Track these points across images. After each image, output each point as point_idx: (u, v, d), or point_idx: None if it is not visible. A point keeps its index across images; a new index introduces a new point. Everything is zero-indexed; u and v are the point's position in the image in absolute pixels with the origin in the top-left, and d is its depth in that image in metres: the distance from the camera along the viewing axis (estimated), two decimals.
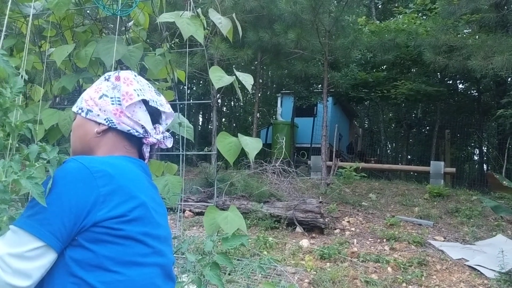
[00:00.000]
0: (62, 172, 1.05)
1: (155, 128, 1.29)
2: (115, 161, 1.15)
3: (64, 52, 1.91)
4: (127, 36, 2.13)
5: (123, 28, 2.12)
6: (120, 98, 1.23)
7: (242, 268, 5.24)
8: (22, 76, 1.20)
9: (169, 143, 1.31)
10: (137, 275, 1.07)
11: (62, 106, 2.15)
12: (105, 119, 1.21)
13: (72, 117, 1.93)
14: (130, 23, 2.20)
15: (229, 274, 5.08)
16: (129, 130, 1.23)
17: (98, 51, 1.91)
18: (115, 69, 1.90)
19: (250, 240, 6.27)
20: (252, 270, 5.16)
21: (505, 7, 10.52)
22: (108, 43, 1.90)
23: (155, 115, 1.30)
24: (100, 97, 1.23)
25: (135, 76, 1.30)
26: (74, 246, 1.02)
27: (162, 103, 1.31)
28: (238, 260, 5.59)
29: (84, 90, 2.32)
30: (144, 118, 1.25)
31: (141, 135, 1.25)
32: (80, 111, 1.25)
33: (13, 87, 1.09)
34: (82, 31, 2.17)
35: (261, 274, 5.15)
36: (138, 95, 1.24)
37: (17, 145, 1.17)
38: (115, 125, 1.21)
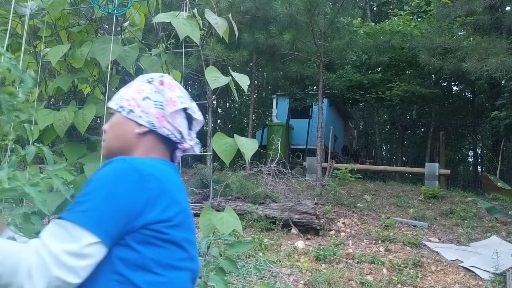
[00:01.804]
0: (114, 172, 1.08)
1: (189, 134, 1.33)
2: (159, 164, 1.18)
3: (59, 52, 1.90)
4: (122, 36, 2.12)
5: (119, 29, 2.12)
6: (163, 102, 1.26)
7: (237, 269, 5.22)
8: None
9: (197, 149, 1.34)
10: (175, 278, 1.11)
11: (57, 106, 2.14)
12: (147, 122, 1.23)
13: (68, 117, 1.93)
14: (126, 23, 2.19)
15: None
16: (168, 135, 1.25)
17: (93, 51, 1.91)
18: (110, 69, 1.89)
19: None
20: (248, 271, 5.15)
21: (500, 10, 10.58)
22: (103, 43, 1.90)
23: (189, 121, 1.34)
24: (143, 99, 1.25)
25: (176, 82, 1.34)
26: (121, 245, 1.04)
27: (195, 110, 1.34)
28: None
29: (80, 90, 2.32)
30: (182, 124, 1.29)
31: (178, 140, 1.28)
32: (120, 109, 1.26)
33: (24, 87, 1.09)
34: (78, 31, 2.16)
35: (257, 276, 5.14)
36: (181, 102, 1.27)
37: (13, 146, 1.16)
38: (156, 128, 1.24)
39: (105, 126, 1.30)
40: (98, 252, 1.01)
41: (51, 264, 0.95)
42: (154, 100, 1.25)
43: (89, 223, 1.00)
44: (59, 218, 1.02)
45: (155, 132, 1.24)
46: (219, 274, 1.86)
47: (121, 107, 1.26)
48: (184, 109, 1.30)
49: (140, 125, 1.23)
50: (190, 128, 1.35)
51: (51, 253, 0.96)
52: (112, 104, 1.29)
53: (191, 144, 1.32)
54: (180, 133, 1.28)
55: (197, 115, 1.34)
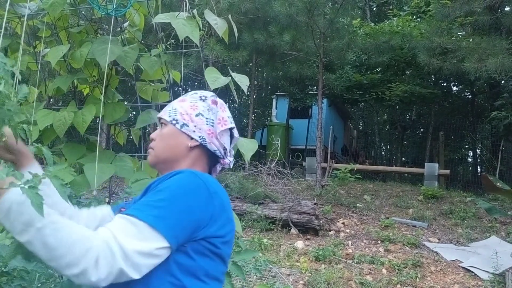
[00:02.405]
0: (189, 185, 1.16)
1: (230, 151, 1.42)
2: (218, 183, 1.26)
3: (59, 53, 1.90)
4: (122, 36, 2.12)
5: (118, 29, 2.12)
6: (214, 120, 1.35)
7: (243, 274, 5.22)
8: (16, 77, 1.19)
9: (231, 164, 1.43)
10: None
11: (57, 107, 2.14)
12: (199, 137, 1.32)
13: (67, 118, 1.93)
14: (125, 24, 2.19)
15: None
16: (215, 150, 1.35)
17: (93, 51, 1.91)
18: (110, 69, 1.89)
19: (245, 242, 6.26)
20: (247, 271, 5.15)
21: (499, 10, 10.59)
22: (103, 44, 1.90)
23: (231, 139, 1.43)
24: (197, 115, 1.34)
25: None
26: (181, 251, 1.12)
27: (235, 128, 1.44)
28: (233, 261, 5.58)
29: (80, 91, 2.32)
30: (227, 142, 1.39)
31: (222, 156, 1.38)
32: (174, 122, 1.33)
33: (18, 94, 1.09)
34: (77, 32, 2.16)
35: (256, 276, 5.14)
36: (231, 122, 1.38)
37: None
38: (206, 143, 1.33)
39: (154, 135, 1.38)
40: (164, 255, 1.08)
41: (119, 257, 1.00)
42: (206, 117, 1.34)
43: (164, 229, 1.06)
44: (128, 214, 1.07)
45: (204, 147, 1.33)
46: (226, 278, 1.87)
47: (175, 120, 1.34)
48: (230, 129, 1.39)
49: (192, 138, 1.32)
50: (230, 145, 1.44)
51: (122, 247, 1.01)
52: (165, 115, 1.37)
53: (231, 160, 1.41)
54: (225, 149, 1.38)
55: (236, 133, 1.44)
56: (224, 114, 1.37)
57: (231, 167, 1.45)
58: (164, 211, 1.09)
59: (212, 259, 1.17)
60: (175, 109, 1.36)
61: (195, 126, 1.32)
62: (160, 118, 1.39)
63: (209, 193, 1.17)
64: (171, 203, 1.11)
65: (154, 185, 1.19)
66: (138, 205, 1.12)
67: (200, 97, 1.39)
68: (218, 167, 1.42)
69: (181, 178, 1.17)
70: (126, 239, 1.02)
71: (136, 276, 1.03)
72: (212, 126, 1.34)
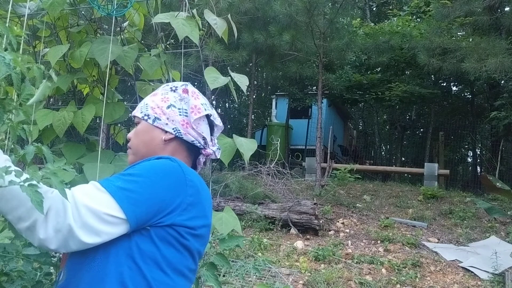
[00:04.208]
0: (163, 166, 1.14)
1: (212, 140, 1.39)
2: (198, 176, 1.24)
3: (58, 53, 1.90)
4: (122, 36, 2.12)
5: (118, 29, 2.12)
6: (187, 110, 1.32)
7: (236, 270, 5.23)
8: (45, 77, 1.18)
9: (218, 154, 1.40)
10: (180, 285, 1.15)
11: (56, 106, 2.14)
12: (173, 129, 1.29)
13: (67, 117, 1.93)
14: (125, 24, 2.19)
15: (224, 276, 5.07)
16: (193, 141, 1.31)
17: (92, 51, 1.91)
18: (110, 69, 1.89)
19: (244, 242, 6.26)
20: (247, 271, 5.15)
21: (499, 10, 10.59)
22: (102, 44, 1.90)
23: (212, 128, 1.40)
24: (168, 107, 1.31)
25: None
26: (143, 236, 1.08)
27: (215, 116, 1.40)
28: (232, 261, 5.58)
29: (79, 91, 2.32)
30: (206, 130, 1.35)
31: (202, 146, 1.34)
32: (146, 117, 1.31)
33: (22, 92, 1.10)
34: (77, 32, 2.15)
35: (256, 276, 5.14)
36: (205, 109, 1.33)
37: (12, 146, 1.16)
38: (181, 135, 1.29)
39: (130, 134, 1.36)
40: (119, 227, 1.04)
41: (70, 213, 0.98)
42: (178, 108, 1.31)
43: (122, 200, 1.04)
44: (96, 182, 1.07)
45: (180, 139, 1.30)
46: (210, 269, 1.85)
47: (147, 115, 1.32)
48: (207, 116, 1.36)
49: (166, 132, 1.29)
50: (212, 134, 1.40)
51: (76, 202, 0.99)
52: (137, 112, 1.35)
53: (214, 149, 1.37)
54: (204, 139, 1.34)
55: (218, 121, 1.40)
56: (196, 102, 1.33)
57: (218, 156, 1.41)
58: (129, 184, 1.07)
59: (178, 250, 1.12)
60: (147, 104, 1.34)
61: (167, 119, 1.29)
62: (134, 117, 1.37)
63: (184, 180, 1.14)
64: (139, 179, 1.09)
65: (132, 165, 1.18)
66: (109, 177, 1.12)
67: (171, 88, 1.36)
68: (202, 159, 1.38)
69: (158, 160, 1.16)
70: (81, 195, 1.01)
71: (86, 239, 0.99)
72: (186, 116, 1.31)
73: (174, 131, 1.29)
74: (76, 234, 0.98)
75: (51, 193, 0.99)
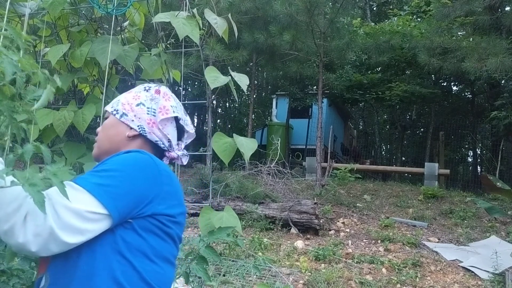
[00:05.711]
0: (136, 159, 1.15)
1: (178, 144, 1.39)
2: (167, 166, 1.25)
3: (59, 52, 1.90)
4: (122, 36, 2.12)
5: (118, 28, 2.12)
6: (156, 110, 1.32)
7: (237, 269, 5.23)
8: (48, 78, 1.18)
9: (185, 161, 1.40)
10: (169, 272, 1.19)
11: (57, 106, 2.14)
12: (138, 126, 1.30)
13: (67, 117, 1.93)
14: (126, 23, 2.19)
15: (224, 275, 5.08)
16: (156, 141, 1.32)
17: (93, 51, 1.91)
18: (110, 69, 1.89)
19: (245, 241, 6.27)
20: (247, 271, 5.15)
21: (499, 10, 10.58)
22: (103, 43, 1.90)
23: (180, 133, 1.40)
24: (138, 105, 1.32)
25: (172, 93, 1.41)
26: (127, 228, 1.09)
27: (187, 123, 1.41)
28: (233, 261, 5.59)
29: (80, 90, 2.32)
30: (172, 133, 1.35)
31: (166, 148, 1.34)
32: (115, 112, 1.33)
33: (28, 95, 1.10)
34: (77, 31, 2.15)
35: (256, 275, 5.14)
36: (173, 111, 1.33)
37: (10, 145, 1.16)
38: (146, 133, 1.30)
39: (98, 129, 1.37)
40: (102, 223, 1.04)
41: (50, 216, 0.97)
42: (147, 107, 1.32)
43: (101, 195, 1.04)
44: (71, 181, 1.05)
45: (145, 137, 1.31)
46: (200, 263, 1.85)
47: (116, 110, 1.33)
48: (177, 120, 1.36)
49: (131, 128, 1.30)
50: (181, 140, 1.41)
51: (54, 205, 0.98)
52: (108, 107, 1.37)
53: (179, 154, 1.37)
54: (169, 141, 1.34)
55: (190, 128, 1.41)
56: (166, 103, 1.33)
57: (185, 163, 1.41)
58: (105, 180, 1.07)
59: (163, 238, 1.15)
60: (119, 100, 1.35)
61: (134, 116, 1.30)
62: (106, 111, 1.38)
63: (158, 170, 1.16)
64: (115, 173, 1.09)
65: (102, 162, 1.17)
66: (83, 175, 1.11)
67: (145, 87, 1.38)
68: (165, 161, 1.36)
69: (128, 154, 1.16)
70: (58, 197, 0.98)
71: (69, 239, 0.99)
72: (154, 115, 1.31)
73: (139, 128, 1.29)
74: (59, 236, 0.98)
75: (29, 198, 0.97)
